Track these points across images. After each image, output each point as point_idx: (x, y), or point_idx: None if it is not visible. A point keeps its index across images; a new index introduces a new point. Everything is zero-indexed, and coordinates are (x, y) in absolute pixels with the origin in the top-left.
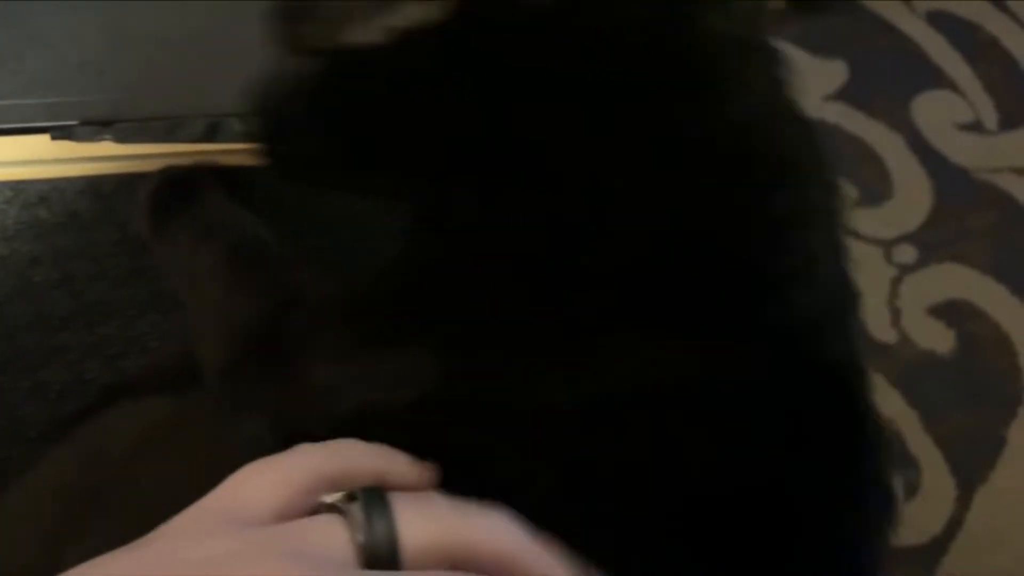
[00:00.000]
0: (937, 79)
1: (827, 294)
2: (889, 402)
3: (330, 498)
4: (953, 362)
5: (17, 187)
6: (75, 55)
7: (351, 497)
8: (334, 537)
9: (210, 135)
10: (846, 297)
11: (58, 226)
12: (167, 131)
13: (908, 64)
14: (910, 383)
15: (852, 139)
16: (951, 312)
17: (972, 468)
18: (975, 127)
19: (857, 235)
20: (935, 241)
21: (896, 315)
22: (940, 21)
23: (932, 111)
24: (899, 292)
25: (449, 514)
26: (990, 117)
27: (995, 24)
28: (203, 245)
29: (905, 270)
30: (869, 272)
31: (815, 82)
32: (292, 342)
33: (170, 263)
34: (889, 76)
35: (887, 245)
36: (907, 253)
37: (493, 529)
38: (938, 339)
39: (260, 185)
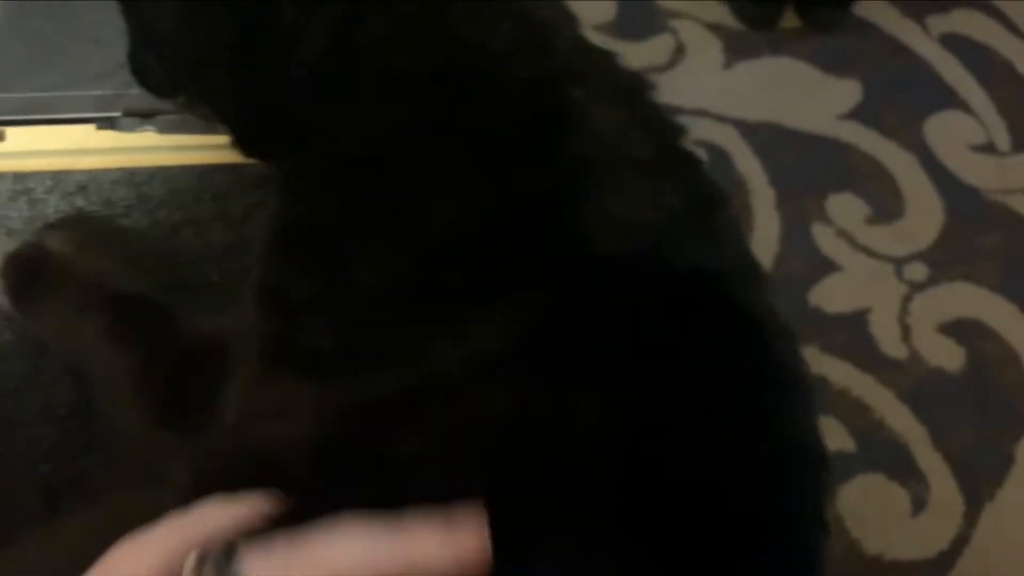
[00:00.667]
0: (951, 100)
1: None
2: (898, 417)
3: (188, 565)
4: (963, 379)
5: (56, 177)
6: (120, 48)
7: (202, 561)
8: None
9: None
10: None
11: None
12: (206, 124)
13: (922, 85)
14: (919, 399)
15: (865, 157)
16: (961, 330)
17: (980, 485)
18: (987, 148)
19: (869, 251)
20: (946, 259)
21: (906, 332)
22: (954, 44)
23: (945, 132)
24: (909, 309)
25: (289, 550)
26: (1003, 139)
27: (1009, 48)
28: (85, 315)
29: (916, 288)
30: (880, 288)
31: (829, 100)
32: (199, 393)
33: (49, 334)
34: (903, 96)
35: (898, 262)
36: (918, 271)
37: (333, 551)
38: (948, 356)
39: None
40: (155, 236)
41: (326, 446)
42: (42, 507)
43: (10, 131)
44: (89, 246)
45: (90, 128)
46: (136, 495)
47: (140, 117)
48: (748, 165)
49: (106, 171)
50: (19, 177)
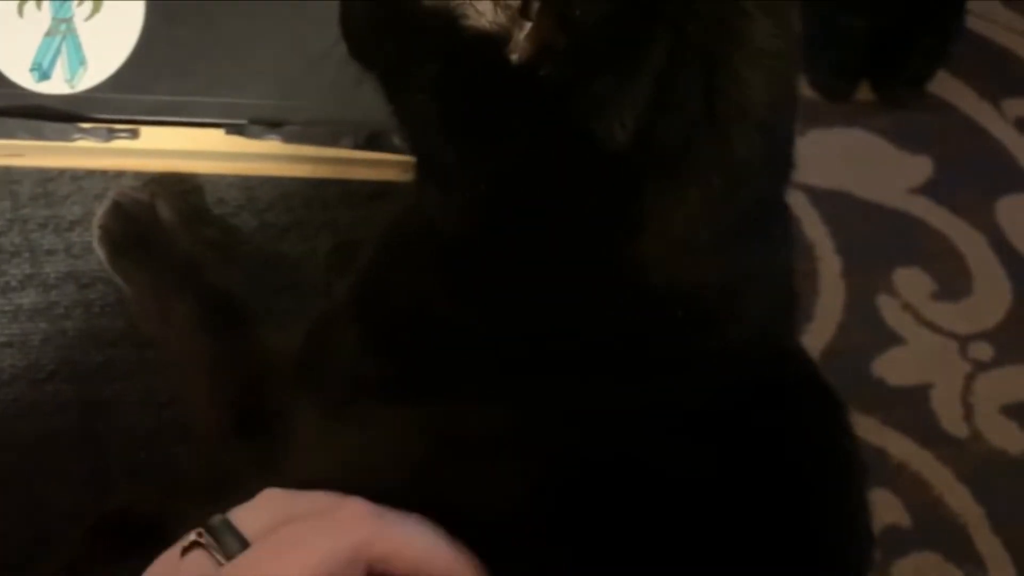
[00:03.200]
0: (1023, 184)
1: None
2: (957, 497)
3: None
4: None
5: (178, 176)
6: (252, 59)
7: None
8: None
9: (369, 144)
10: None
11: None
12: (330, 137)
13: (994, 166)
14: (979, 480)
15: (934, 233)
16: None
17: None
18: None
19: (933, 327)
20: (1012, 341)
21: (968, 410)
22: None
23: (1017, 213)
24: (973, 388)
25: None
26: None
27: None
28: (171, 295)
29: (980, 367)
30: (943, 364)
31: (900, 174)
32: (275, 405)
33: (137, 299)
34: (975, 176)
35: (963, 340)
36: (983, 350)
37: (408, 537)
38: (1011, 439)
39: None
40: (262, 238)
41: (413, 477)
42: (130, 493)
43: (145, 130)
44: (197, 227)
45: (218, 132)
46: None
47: (267, 125)
48: (816, 232)
49: (224, 175)
50: (141, 175)
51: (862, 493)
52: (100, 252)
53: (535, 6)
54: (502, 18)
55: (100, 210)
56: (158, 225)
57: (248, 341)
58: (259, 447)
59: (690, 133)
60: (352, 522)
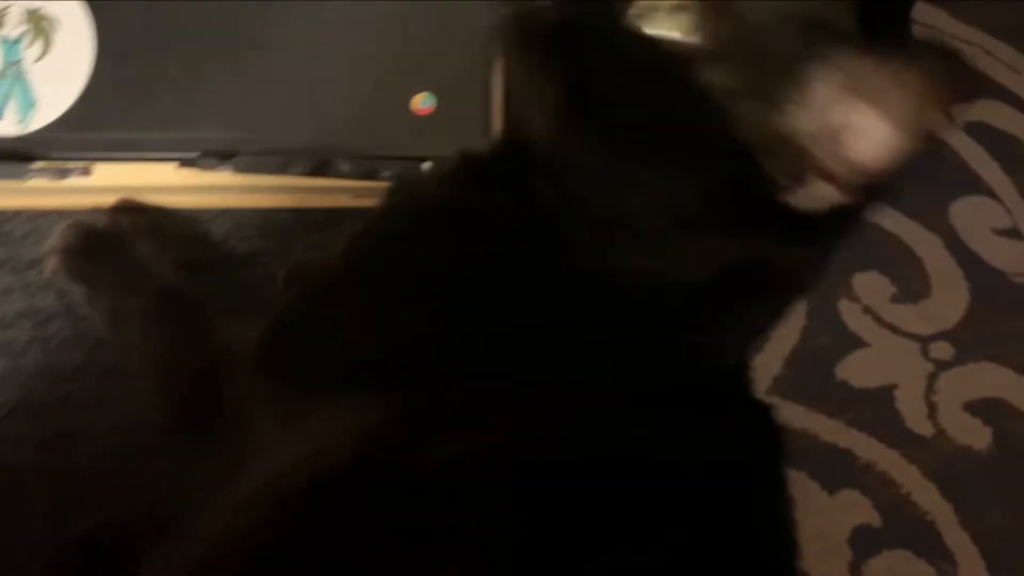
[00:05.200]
0: (975, 186)
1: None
2: (925, 495)
3: None
4: (989, 458)
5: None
6: (202, 92)
7: None
8: None
9: (319, 171)
10: None
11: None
12: (280, 165)
13: (947, 170)
14: (946, 477)
15: (891, 237)
16: (987, 409)
17: (1010, 566)
18: (1012, 233)
19: (894, 329)
20: (971, 340)
21: (932, 409)
22: (979, 132)
23: (970, 215)
24: (935, 387)
25: None
26: None
27: None
28: (130, 294)
29: (941, 366)
30: (905, 365)
31: None
32: (229, 399)
33: (97, 306)
34: (928, 180)
35: (923, 341)
36: (943, 350)
37: None
38: (975, 435)
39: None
40: (220, 269)
41: (363, 465)
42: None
43: (98, 167)
44: (156, 235)
45: (171, 166)
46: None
47: (219, 157)
48: None
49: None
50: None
51: (790, 512)
52: (56, 259)
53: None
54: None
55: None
56: (117, 231)
57: (202, 335)
58: (213, 448)
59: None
60: None
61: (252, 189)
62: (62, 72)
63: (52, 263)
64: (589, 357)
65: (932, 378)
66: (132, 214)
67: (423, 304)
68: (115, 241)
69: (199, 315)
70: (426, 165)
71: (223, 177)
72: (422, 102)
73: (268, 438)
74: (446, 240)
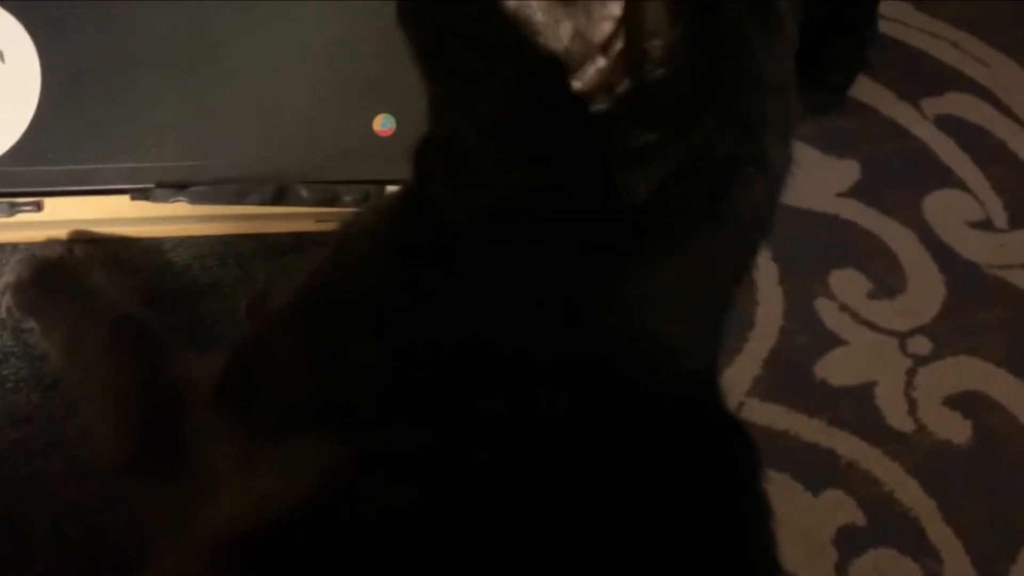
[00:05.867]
0: (947, 179)
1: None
2: (908, 491)
3: None
4: (970, 452)
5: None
6: (154, 122)
7: None
8: None
9: (277, 199)
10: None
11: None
12: (237, 194)
13: (919, 165)
14: (928, 472)
15: (866, 234)
16: (967, 403)
17: (993, 559)
18: (985, 225)
19: (872, 326)
20: (949, 334)
21: (912, 405)
22: (949, 125)
23: (943, 209)
24: (914, 383)
25: None
26: (999, 216)
27: (1002, 129)
28: (85, 325)
29: (920, 361)
30: (884, 361)
31: (828, 179)
32: (189, 434)
33: (52, 339)
34: (900, 176)
35: (901, 336)
36: (921, 344)
37: None
38: (955, 429)
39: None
40: (180, 302)
41: (325, 502)
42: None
43: (48, 202)
44: (111, 267)
45: (124, 199)
46: None
47: (173, 188)
48: None
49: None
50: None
51: (771, 528)
52: (8, 295)
53: (616, 46)
54: (577, 47)
55: (12, 260)
56: (71, 261)
57: (160, 369)
58: (170, 489)
59: (694, 217)
60: None
61: (210, 218)
62: (8, 106)
63: (5, 301)
64: (541, 383)
65: (911, 374)
66: (87, 245)
67: (367, 343)
68: (69, 272)
69: (157, 345)
70: (390, 189)
71: (179, 208)
72: (381, 124)
73: (227, 477)
74: (385, 276)
